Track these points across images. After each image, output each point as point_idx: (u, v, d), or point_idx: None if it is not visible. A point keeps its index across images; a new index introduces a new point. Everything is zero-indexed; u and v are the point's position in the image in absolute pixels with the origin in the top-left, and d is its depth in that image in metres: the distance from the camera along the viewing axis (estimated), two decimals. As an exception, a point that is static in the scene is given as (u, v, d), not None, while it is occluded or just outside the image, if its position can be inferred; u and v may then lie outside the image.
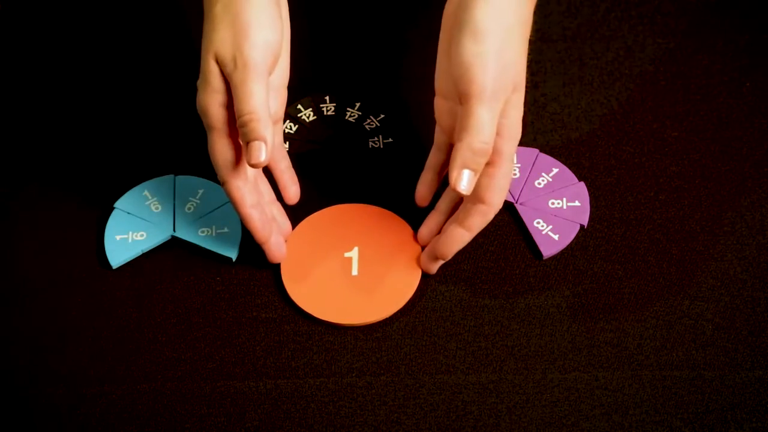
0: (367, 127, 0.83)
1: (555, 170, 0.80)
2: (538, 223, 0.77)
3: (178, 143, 0.82)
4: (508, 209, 0.78)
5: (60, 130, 0.84)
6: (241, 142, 0.70)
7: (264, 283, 0.75)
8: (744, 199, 0.78)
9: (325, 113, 0.84)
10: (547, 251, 0.76)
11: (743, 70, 0.85)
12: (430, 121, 0.83)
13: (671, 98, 0.84)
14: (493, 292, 0.74)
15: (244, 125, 0.68)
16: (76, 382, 0.71)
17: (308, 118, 0.84)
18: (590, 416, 0.69)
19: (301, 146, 0.83)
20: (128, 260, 0.76)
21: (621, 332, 0.72)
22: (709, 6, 0.89)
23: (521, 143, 0.81)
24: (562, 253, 0.76)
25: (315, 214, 0.78)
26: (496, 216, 0.78)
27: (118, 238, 0.76)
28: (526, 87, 0.84)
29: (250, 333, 0.73)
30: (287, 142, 0.82)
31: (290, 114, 0.84)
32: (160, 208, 0.78)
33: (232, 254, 0.76)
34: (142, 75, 0.87)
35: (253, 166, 0.68)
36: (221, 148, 0.70)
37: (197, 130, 0.80)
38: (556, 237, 0.76)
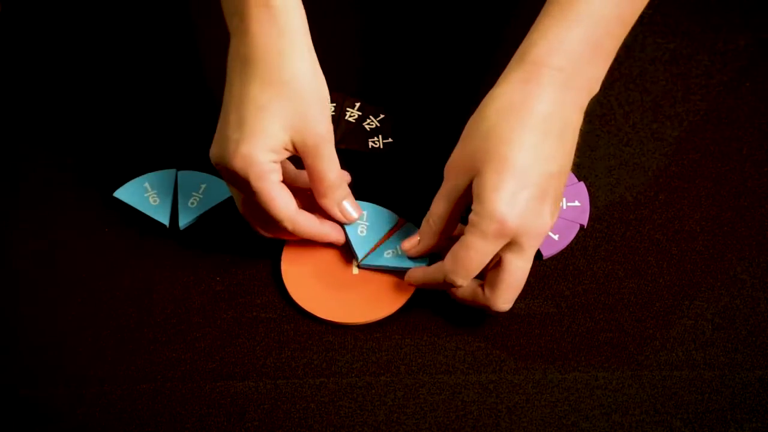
0: (367, 127, 0.83)
1: (555, 170, 0.79)
2: (538, 223, 0.77)
3: (183, 138, 0.82)
4: (508, 209, 0.78)
5: (65, 127, 0.84)
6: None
7: (264, 283, 0.75)
8: (744, 199, 0.78)
9: (325, 113, 0.84)
10: (547, 251, 0.76)
11: (743, 70, 0.85)
12: (430, 122, 0.83)
13: (671, 98, 0.84)
14: (493, 292, 0.74)
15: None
16: (76, 382, 0.71)
17: (308, 118, 0.84)
18: (590, 416, 0.69)
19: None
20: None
21: (621, 332, 0.72)
22: (709, 6, 0.89)
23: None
24: (562, 253, 0.76)
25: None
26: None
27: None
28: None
29: (250, 333, 0.73)
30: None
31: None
32: (158, 201, 0.78)
33: None
34: (148, 72, 0.87)
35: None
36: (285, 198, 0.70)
37: (201, 125, 0.80)
38: (555, 237, 0.76)
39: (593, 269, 0.75)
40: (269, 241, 0.75)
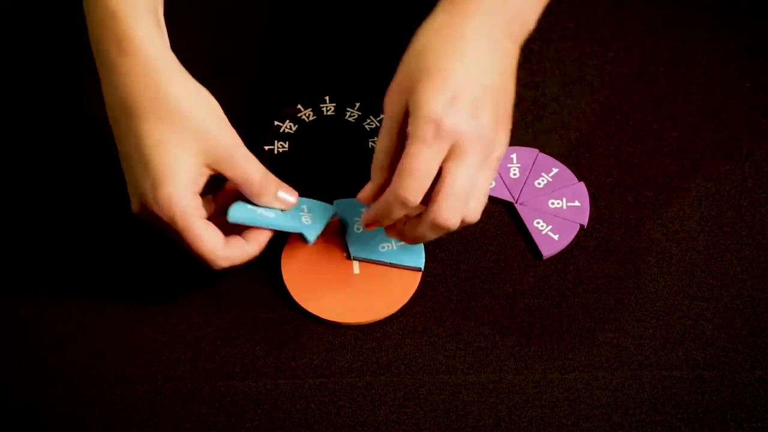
0: (367, 127, 0.83)
1: (555, 170, 0.79)
2: (538, 223, 0.77)
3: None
4: (508, 209, 0.78)
5: (64, 127, 0.84)
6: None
7: (264, 283, 0.75)
8: (744, 199, 0.78)
9: (325, 113, 0.84)
10: (547, 251, 0.76)
11: (743, 70, 0.85)
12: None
13: (671, 98, 0.84)
14: (493, 292, 0.74)
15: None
16: (76, 382, 0.71)
17: (308, 118, 0.84)
18: (590, 416, 0.69)
19: (301, 146, 0.83)
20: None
21: (621, 332, 0.72)
22: (709, 6, 0.89)
23: (522, 143, 0.81)
24: (562, 253, 0.76)
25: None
26: (496, 216, 0.78)
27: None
28: (528, 86, 0.84)
29: (250, 333, 0.73)
30: (287, 142, 0.82)
31: (290, 114, 0.84)
32: None
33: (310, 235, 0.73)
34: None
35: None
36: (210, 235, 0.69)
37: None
38: (555, 237, 0.76)
39: (593, 269, 0.75)
40: (269, 242, 0.75)
